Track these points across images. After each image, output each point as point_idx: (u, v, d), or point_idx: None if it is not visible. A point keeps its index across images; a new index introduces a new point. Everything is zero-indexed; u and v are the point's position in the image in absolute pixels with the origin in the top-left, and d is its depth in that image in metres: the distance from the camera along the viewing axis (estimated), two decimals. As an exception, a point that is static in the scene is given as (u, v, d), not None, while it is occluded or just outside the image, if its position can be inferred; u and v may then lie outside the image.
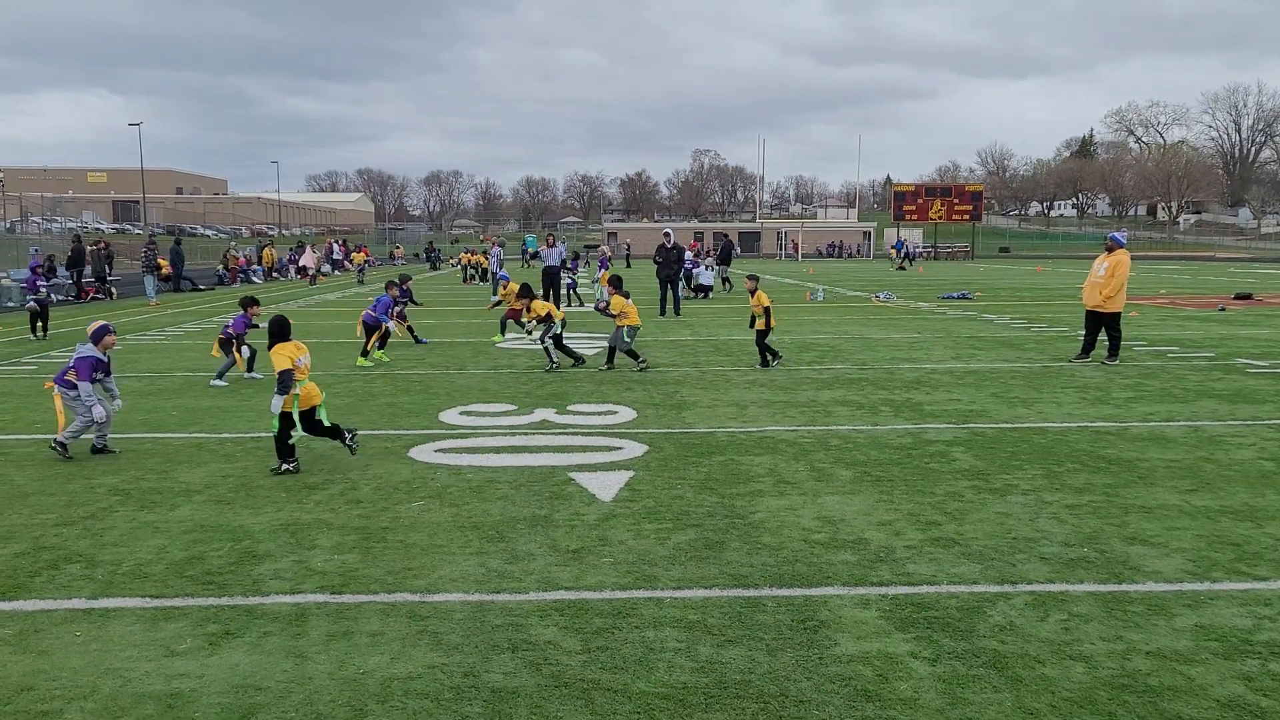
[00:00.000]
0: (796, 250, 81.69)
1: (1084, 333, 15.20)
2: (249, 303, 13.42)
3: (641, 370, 13.92)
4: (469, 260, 44.32)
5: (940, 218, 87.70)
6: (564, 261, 26.05)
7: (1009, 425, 9.97)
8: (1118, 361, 14.54)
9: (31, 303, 18.98)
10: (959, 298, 29.99)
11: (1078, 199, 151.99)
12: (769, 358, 14.40)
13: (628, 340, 14.14)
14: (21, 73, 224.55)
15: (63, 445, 8.58)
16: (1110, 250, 14.82)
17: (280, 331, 8.06)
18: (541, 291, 24.73)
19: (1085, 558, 5.91)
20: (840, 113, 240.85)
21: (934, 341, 17.88)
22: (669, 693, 4.24)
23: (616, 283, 14.74)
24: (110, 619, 5.08)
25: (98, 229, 75.88)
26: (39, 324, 18.80)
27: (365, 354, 15.09)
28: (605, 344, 14.88)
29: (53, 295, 16.89)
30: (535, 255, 27.95)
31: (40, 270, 19.75)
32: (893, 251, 62.37)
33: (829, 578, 5.60)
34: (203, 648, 4.72)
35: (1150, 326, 20.33)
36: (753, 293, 14.54)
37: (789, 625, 4.93)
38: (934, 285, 38.33)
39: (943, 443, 9.15)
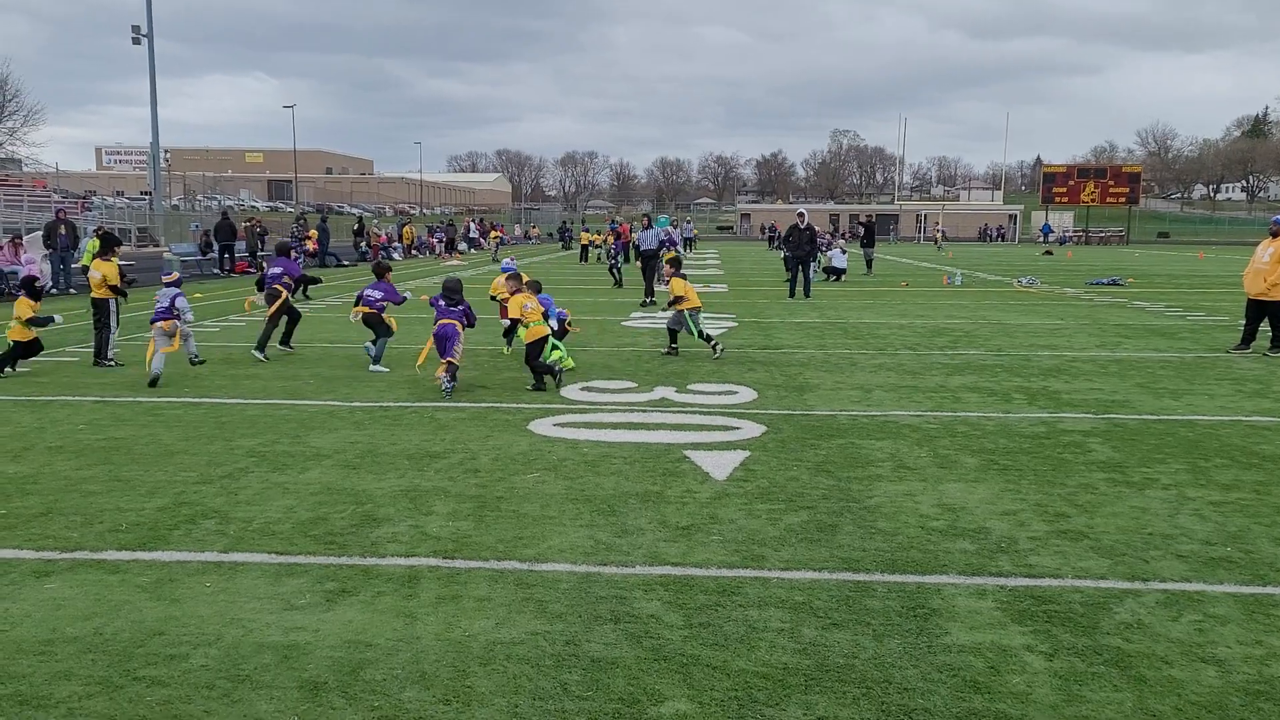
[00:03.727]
0: (938, 236, 78.87)
1: (1244, 322, 14.24)
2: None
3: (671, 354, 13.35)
4: (587, 240, 44.70)
5: (1093, 201, 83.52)
6: (662, 244, 25.93)
7: (1153, 417, 9.43)
8: (1281, 353, 13.56)
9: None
10: (1109, 284, 28.56)
11: (1248, 181, 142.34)
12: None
13: (693, 326, 13.21)
14: (188, 59, 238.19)
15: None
16: (1275, 235, 13.81)
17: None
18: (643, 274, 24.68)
19: (1227, 557, 5.53)
20: (989, 89, 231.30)
21: (1077, 328, 17.06)
22: (768, 672, 4.17)
23: (676, 264, 14.20)
24: (238, 572, 5.33)
25: (253, 207, 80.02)
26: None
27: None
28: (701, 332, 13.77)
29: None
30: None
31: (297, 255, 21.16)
32: (1039, 235, 59.82)
33: (944, 566, 5.40)
34: (320, 603, 4.91)
35: (1321, 317, 18.86)
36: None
37: (898, 612, 4.78)
38: (1082, 271, 36.61)
39: (1079, 433, 8.71)
